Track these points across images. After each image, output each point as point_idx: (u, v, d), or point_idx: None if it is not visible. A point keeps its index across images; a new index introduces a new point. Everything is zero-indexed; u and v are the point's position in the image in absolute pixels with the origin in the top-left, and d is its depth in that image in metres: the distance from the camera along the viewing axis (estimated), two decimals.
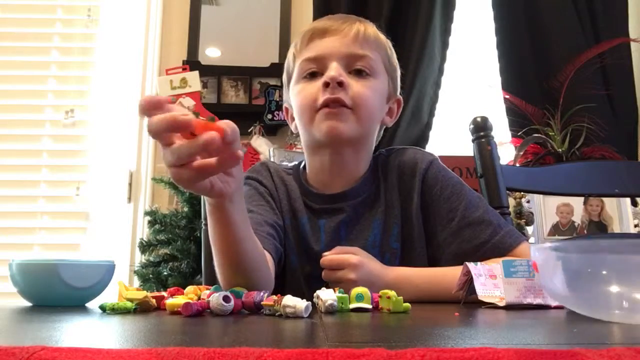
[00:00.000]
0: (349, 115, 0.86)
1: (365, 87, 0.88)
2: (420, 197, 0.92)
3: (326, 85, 0.85)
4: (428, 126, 2.31)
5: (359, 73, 0.88)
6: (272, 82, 2.35)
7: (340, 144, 0.90)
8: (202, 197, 1.22)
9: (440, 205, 0.90)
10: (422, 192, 0.92)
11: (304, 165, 0.99)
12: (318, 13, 2.35)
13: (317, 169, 0.95)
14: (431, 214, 0.91)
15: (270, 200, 0.94)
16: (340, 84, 0.85)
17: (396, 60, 0.97)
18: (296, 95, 0.91)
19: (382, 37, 0.94)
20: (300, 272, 0.91)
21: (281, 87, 2.28)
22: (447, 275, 0.79)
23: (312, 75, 0.89)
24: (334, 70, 0.85)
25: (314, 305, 0.58)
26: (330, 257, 0.81)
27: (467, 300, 0.70)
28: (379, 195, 0.93)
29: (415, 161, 0.94)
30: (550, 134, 2.19)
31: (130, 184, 2.32)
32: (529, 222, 1.98)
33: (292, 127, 0.99)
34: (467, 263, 0.70)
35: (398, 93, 0.98)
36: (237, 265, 0.69)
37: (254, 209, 0.89)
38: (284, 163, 1.05)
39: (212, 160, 0.53)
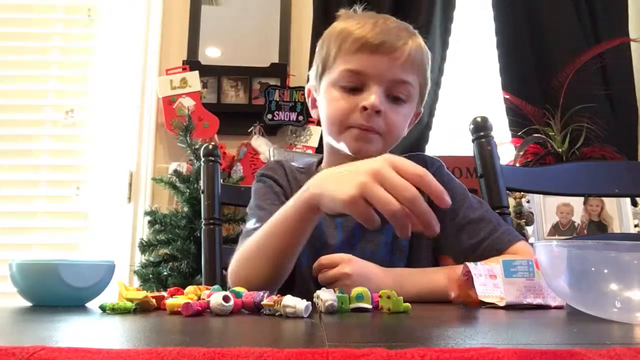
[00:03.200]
0: (378, 139, 0.88)
1: (399, 115, 0.88)
2: (427, 198, 0.93)
3: (364, 108, 0.85)
4: (428, 126, 2.31)
5: (396, 99, 0.88)
6: (272, 82, 2.35)
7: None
8: (202, 198, 1.23)
9: None
10: None
11: (316, 165, 1.01)
12: (318, 13, 2.34)
13: (335, 165, 0.97)
14: (436, 213, 0.92)
15: (284, 200, 0.94)
16: (378, 112, 0.85)
17: (429, 73, 0.96)
18: (329, 101, 0.90)
19: (425, 52, 0.92)
20: (308, 272, 0.91)
21: (281, 87, 2.30)
22: (447, 276, 0.79)
23: (352, 87, 0.88)
24: (374, 97, 0.84)
25: (314, 305, 0.58)
26: (321, 258, 0.81)
27: (467, 300, 0.70)
28: None
29: (425, 163, 0.96)
30: (550, 134, 2.19)
31: (130, 184, 2.32)
32: (529, 222, 1.98)
33: (313, 113, 0.99)
34: (467, 263, 0.70)
35: (422, 106, 0.98)
36: (281, 268, 0.77)
37: (267, 207, 0.90)
38: (293, 164, 1.05)
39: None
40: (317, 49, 0.96)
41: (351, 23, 0.89)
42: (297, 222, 0.72)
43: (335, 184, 0.63)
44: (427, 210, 0.57)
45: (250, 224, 0.91)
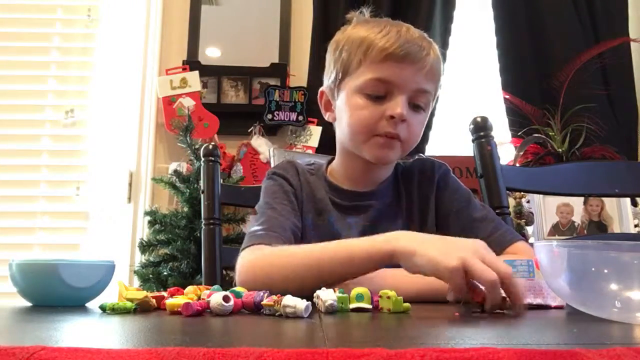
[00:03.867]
0: (399, 146, 0.91)
1: (419, 123, 0.92)
2: (435, 198, 0.98)
3: (391, 117, 0.88)
4: (428, 126, 2.31)
5: (416, 107, 0.91)
6: (272, 82, 2.35)
7: (382, 164, 0.96)
8: (202, 198, 1.23)
9: (452, 204, 0.96)
10: (436, 193, 0.98)
11: (326, 166, 1.02)
12: (318, 13, 2.34)
13: (349, 167, 0.99)
14: (441, 214, 0.97)
15: (294, 200, 0.96)
16: (403, 121, 0.88)
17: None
18: (354, 109, 0.91)
19: (441, 61, 0.94)
20: None
21: (281, 87, 2.30)
22: None
23: (375, 95, 0.90)
24: (401, 106, 0.87)
25: (314, 305, 0.58)
26: None
27: (467, 301, 0.70)
28: (400, 197, 0.99)
29: (433, 167, 1.00)
30: (550, 134, 2.19)
31: (130, 184, 2.32)
32: (529, 222, 1.98)
33: (327, 116, 1.01)
34: None
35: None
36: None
37: (277, 207, 0.92)
38: (305, 165, 1.05)
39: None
40: (332, 54, 0.97)
41: (374, 31, 0.90)
42: (365, 266, 0.73)
43: (437, 251, 0.65)
44: (520, 285, 0.61)
45: (258, 223, 0.91)
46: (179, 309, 0.55)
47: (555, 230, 1.98)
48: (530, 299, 0.64)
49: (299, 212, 0.94)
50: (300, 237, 0.93)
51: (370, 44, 0.89)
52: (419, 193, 0.98)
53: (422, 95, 0.91)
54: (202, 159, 1.25)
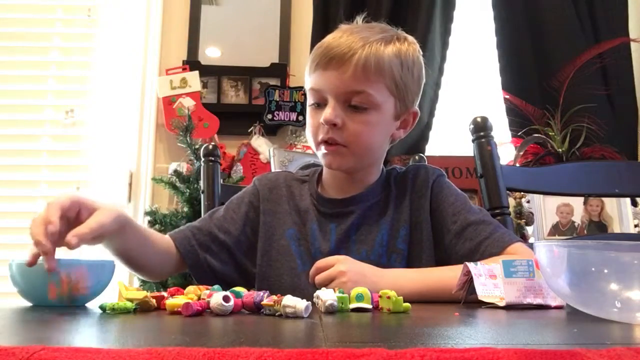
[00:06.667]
0: (345, 152, 0.90)
1: (361, 124, 0.89)
2: (429, 203, 0.97)
3: (322, 123, 0.89)
4: (428, 126, 2.30)
5: (357, 109, 0.89)
6: (272, 82, 2.35)
7: (343, 172, 0.96)
8: (202, 198, 1.23)
9: (446, 209, 0.94)
10: (431, 198, 0.97)
11: (320, 171, 1.03)
12: (318, 13, 2.34)
13: (331, 176, 1.00)
14: (438, 218, 0.95)
15: (249, 211, 0.98)
16: (335, 125, 0.88)
17: (412, 75, 0.93)
18: (307, 121, 0.95)
19: (388, 58, 0.89)
20: (306, 276, 0.92)
21: (281, 87, 2.30)
22: (444, 275, 0.79)
23: (317, 104, 0.92)
24: (329, 112, 0.88)
25: (314, 305, 0.59)
26: (318, 262, 0.82)
27: (467, 300, 0.70)
28: (388, 201, 0.98)
29: (427, 172, 0.99)
30: (550, 134, 2.19)
31: (130, 184, 2.32)
32: (529, 222, 1.98)
33: None
34: (467, 263, 0.70)
35: (415, 106, 0.98)
36: (139, 270, 0.90)
37: (223, 211, 0.98)
38: (299, 172, 1.07)
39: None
40: None
41: (322, 41, 0.93)
42: None
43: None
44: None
45: (203, 217, 1.00)
46: (179, 309, 0.55)
47: (555, 230, 1.98)
48: (530, 299, 0.64)
49: (246, 223, 0.97)
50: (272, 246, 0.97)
51: (312, 54, 0.93)
52: (413, 198, 0.97)
53: (358, 96, 0.88)
54: (202, 159, 1.25)
